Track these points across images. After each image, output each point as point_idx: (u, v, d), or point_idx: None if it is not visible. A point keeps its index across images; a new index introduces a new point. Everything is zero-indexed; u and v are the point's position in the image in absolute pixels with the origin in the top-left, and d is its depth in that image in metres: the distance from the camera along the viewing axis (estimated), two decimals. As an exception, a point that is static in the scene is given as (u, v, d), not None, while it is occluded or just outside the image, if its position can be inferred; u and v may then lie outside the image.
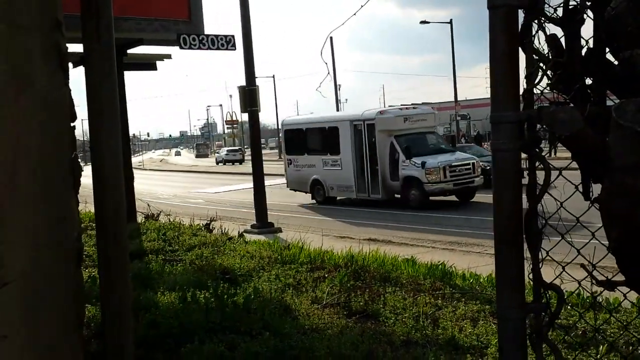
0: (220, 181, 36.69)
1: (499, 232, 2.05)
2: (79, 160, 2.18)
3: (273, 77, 64.82)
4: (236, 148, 69.27)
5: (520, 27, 2.04)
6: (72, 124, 2.10)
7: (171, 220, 13.42)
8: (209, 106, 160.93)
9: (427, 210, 17.05)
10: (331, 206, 19.77)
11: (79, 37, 2.64)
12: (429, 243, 12.21)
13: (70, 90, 2.09)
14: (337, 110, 62.34)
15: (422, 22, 42.66)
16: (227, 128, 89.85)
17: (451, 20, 42.82)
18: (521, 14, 2.05)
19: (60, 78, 2.02)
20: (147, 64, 15.26)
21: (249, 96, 15.14)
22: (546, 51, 2.06)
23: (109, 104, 2.33)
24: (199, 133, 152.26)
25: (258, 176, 15.29)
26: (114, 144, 2.38)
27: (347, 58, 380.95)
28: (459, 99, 47.83)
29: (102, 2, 2.34)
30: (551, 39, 2.11)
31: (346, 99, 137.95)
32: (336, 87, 62.00)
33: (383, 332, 5.30)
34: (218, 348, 4.84)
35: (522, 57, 2.05)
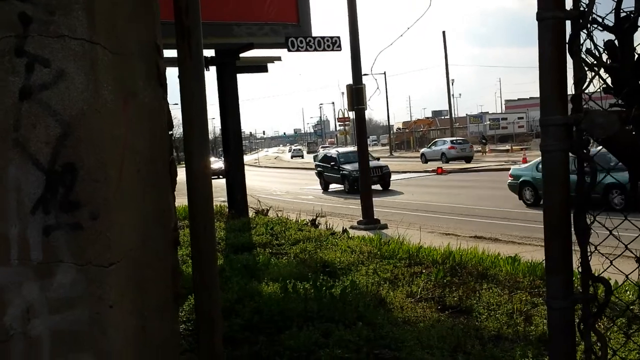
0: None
1: (549, 227, 2.19)
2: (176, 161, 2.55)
3: (384, 73, 64.66)
4: (299, 147, 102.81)
5: (568, 36, 2.17)
6: (169, 132, 2.47)
7: (279, 215, 14.01)
8: (321, 104, 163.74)
9: (539, 207, 16.58)
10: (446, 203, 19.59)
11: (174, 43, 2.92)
12: (537, 241, 11.92)
13: (168, 103, 2.46)
14: (449, 105, 61.43)
15: (539, 13, 41.11)
16: (339, 125, 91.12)
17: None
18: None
19: (159, 92, 2.41)
20: (259, 66, 16.04)
21: (356, 94, 15.40)
22: (592, 58, 2.17)
23: (198, 115, 2.67)
24: (312, 130, 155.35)
25: (364, 173, 15.55)
26: (203, 149, 2.71)
27: (462, 52, 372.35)
28: (579, 91, 45.58)
29: (193, 25, 2.69)
30: (609, 46, 2.21)
31: (460, 94, 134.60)
32: (448, 83, 61.06)
33: (474, 326, 5.39)
34: (313, 335, 5.15)
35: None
